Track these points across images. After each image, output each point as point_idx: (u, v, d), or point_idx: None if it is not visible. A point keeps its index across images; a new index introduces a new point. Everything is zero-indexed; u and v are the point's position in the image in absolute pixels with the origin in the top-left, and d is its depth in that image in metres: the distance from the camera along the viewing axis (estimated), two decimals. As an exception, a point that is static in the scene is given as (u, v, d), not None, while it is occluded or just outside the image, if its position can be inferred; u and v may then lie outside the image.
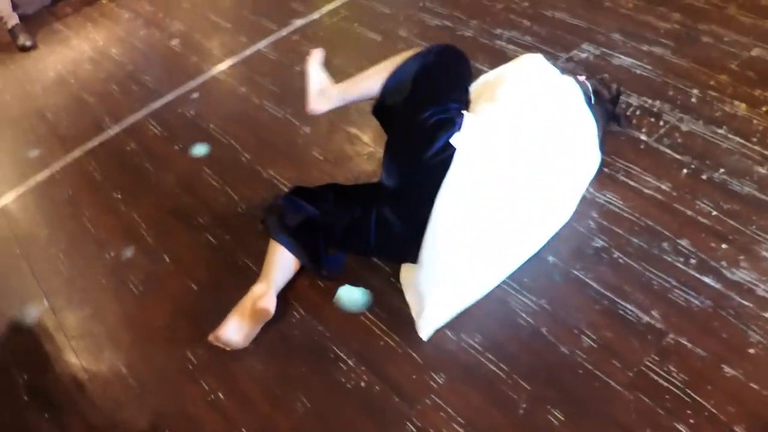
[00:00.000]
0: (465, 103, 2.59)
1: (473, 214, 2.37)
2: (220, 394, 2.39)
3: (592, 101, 2.75)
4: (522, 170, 2.45)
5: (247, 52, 4.24)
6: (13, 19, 5.07)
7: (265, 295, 2.48)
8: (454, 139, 2.37)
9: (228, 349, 2.48)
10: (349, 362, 2.37)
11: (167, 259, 2.92)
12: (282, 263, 2.61)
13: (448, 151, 2.36)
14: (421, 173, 2.41)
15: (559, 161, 2.55)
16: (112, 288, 2.87)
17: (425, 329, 2.40)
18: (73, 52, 4.83)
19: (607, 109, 2.86)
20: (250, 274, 2.71)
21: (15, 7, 5.19)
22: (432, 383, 2.26)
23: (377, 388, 2.28)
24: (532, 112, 2.54)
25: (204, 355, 2.51)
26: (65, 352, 2.67)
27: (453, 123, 2.41)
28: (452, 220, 2.35)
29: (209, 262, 2.86)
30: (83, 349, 2.67)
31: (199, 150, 3.49)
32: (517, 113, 2.52)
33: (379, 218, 2.49)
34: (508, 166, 2.43)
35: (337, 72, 3.74)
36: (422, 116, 2.43)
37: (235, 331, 2.46)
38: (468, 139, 2.39)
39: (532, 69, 2.79)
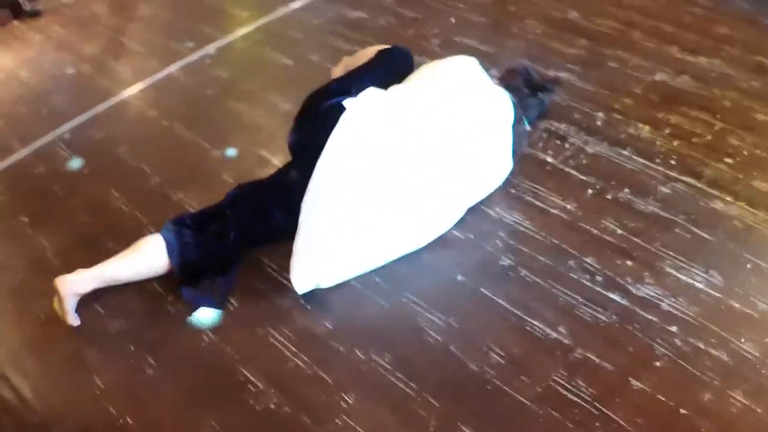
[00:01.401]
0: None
1: (350, 175, 2.54)
2: (129, 419, 2.33)
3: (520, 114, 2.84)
4: (414, 152, 2.58)
5: (159, 75, 4.18)
6: None
7: (63, 276, 2.60)
8: (347, 102, 2.61)
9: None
10: (259, 384, 2.34)
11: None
12: (132, 257, 2.67)
13: (339, 111, 2.58)
14: (314, 124, 2.64)
15: (458, 156, 2.65)
16: (17, 314, 2.80)
17: (297, 281, 2.55)
18: (-19, 74, 4.71)
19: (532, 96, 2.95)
20: (157, 297, 2.69)
21: None
22: (342, 403, 2.24)
23: (287, 409, 2.26)
24: (441, 101, 2.67)
25: (111, 379, 2.45)
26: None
27: (350, 92, 2.67)
28: (328, 175, 2.52)
29: (116, 287, 2.78)
30: (-13, 377, 2.59)
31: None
32: (424, 98, 2.67)
33: (281, 184, 2.67)
34: (399, 142, 2.57)
35: (248, 95, 3.75)
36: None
37: (56, 307, 2.63)
38: (360, 103, 2.63)
39: (460, 67, 2.87)
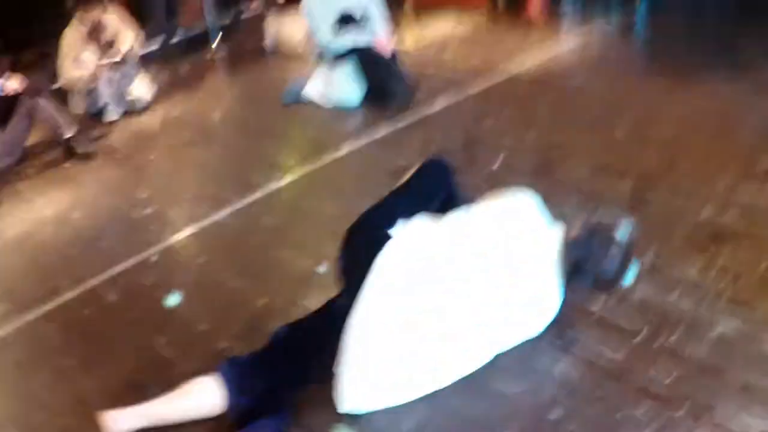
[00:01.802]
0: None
1: (394, 301, 2.58)
2: None
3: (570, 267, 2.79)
4: (454, 287, 2.62)
5: (207, 221, 4.29)
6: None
7: (110, 412, 2.68)
8: (393, 230, 2.72)
9: None
10: None
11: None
12: (184, 397, 2.70)
13: (385, 239, 2.68)
14: (361, 251, 2.73)
15: (498, 294, 2.66)
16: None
17: (342, 400, 2.62)
18: (34, 214, 4.88)
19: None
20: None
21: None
22: None
23: None
24: (485, 240, 2.72)
25: None
26: None
27: (393, 218, 2.81)
28: (373, 300, 2.59)
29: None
30: None
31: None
32: (469, 234, 2.74)
33: (328, 312, 2.77)
34: (441, 275, 2.63)
35: (295, 243, 3.80)
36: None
37: None
38: (407, 232, 2.73)
39: (515, 205, 2.89)
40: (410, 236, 2.72)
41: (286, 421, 2.67)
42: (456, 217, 2.85)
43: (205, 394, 2.66)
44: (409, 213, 2.84)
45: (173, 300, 3.54)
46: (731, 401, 2.47)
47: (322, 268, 3.55)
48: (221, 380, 2.65)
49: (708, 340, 2.74)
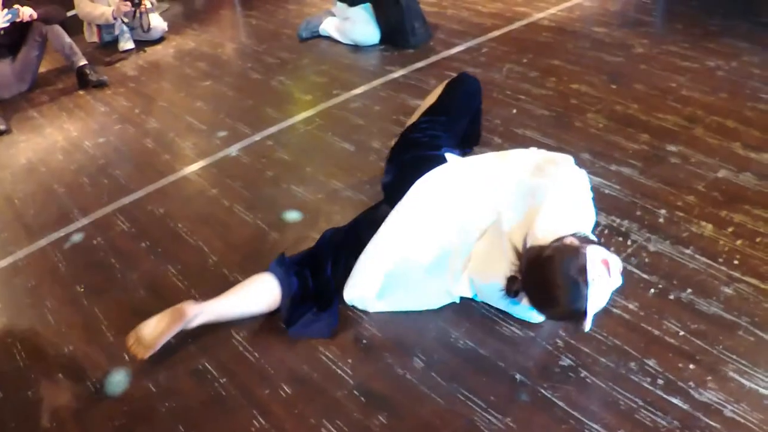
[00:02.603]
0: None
1: (423, 217, 2.79)
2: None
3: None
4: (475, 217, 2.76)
5: (221, 154, 4.27)
6: (-13, 103, 5.13)
7: (191, 302, 2.76)
8: (440, 153, 2.95)
9: (137, 353, 2.67)
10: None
11: (126, 359, 2.84)
12: (243, 293, 2.84)
13: (436, 162, 2.88)
14: (409, 170, 2.89)
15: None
16: (69, 384, 2.79)
17: (347, 291, 2.87)
18: (45, 141, 4.86)
19: None
20: (210, 379, 2.67)
21: (-10, 91, 5.26)
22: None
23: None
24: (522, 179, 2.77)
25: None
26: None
27: (439, 139, 3.08)
28: (405, 213, 2.81)
29: (168, 364, 2.78)
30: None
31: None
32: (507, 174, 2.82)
33: (371, 219, 2.96)
34: (468, 205, 2.77)
35: (308, 179, 3.78)
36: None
37: (150, 327, 2.70)
38: (451, 164, 2.89)
39: (557, 160, 2.89)
40: (452, 169, 2.86)
41: (335, 318, 2.82)
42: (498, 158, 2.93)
43: (262, 290, 2.82)
44: (447, 133, 3.08)
45: (293, 216, 3.59)
46: (744, 357, 2.46)
47: (335, 205, 3.55)
48: (277, 274, 2.80)
49: (722, 296, 2.71)
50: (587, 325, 2.26)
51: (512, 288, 2.44)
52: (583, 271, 2.22)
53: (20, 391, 2.79)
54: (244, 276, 3.06)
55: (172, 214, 3.72)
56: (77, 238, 3.68)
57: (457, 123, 3.25)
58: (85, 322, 3.08)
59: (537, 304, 2.41)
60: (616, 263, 2.36)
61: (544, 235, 2.42)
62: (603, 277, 2.28)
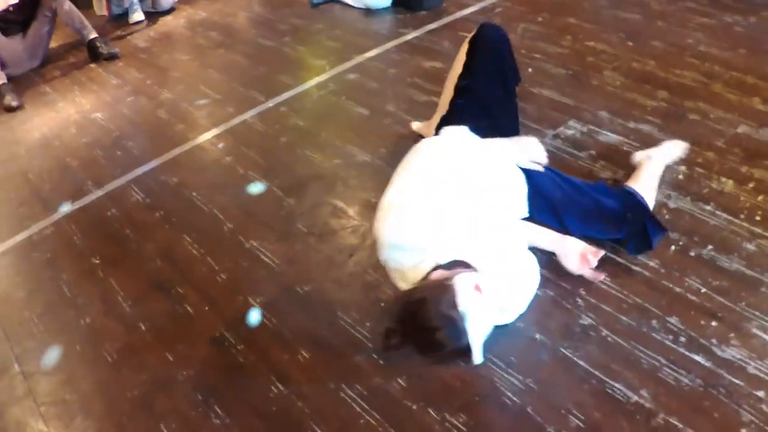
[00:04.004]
0: None
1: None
2: (194, 471, 2.30)
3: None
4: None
5: (234, 122, 4.23)
6: (0, 79, 5.09)
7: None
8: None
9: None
10: (329, 441, 2.29)
11: (143, 328, 2.85)
12: None
13: None
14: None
15: None
16: (87, 355, 2.80)
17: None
18: (59, 115, 4.84)
19: None
20: (228, 346, 2.66)
21: (3, 66, 5.27)
22: (414, 464, 2.18)
23: (358, 469, 2.20)
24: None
25: (178, 428, 2.43)
26: (33, 419, 2.59)
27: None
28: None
29: (186, 333, 2.79)
30: (53, 416, 2.59)
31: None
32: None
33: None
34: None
35: (323, 144, 3.75)
36: None
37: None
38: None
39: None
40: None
41: None
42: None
43: None
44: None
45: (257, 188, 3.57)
46: (766, 313, 2.41)
47: (351, 170, 3.52)
48: None
49: (744, 252, 2.66)
50: (477, 357, 2.06)
51: (391, 342, 2.17)
52: (454, 305, 2.04)
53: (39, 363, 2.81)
54: (261, 242, 3.05)
55: (186, 183, 3.70)
56: (92, 210, 3.68)
57: (489, 97, 3.00)
58: (101, 294, 3.08)
59: (423, 351, 2.14)
60: (487, 282, 2.16)
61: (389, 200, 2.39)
62: (476, 303, 2.07)
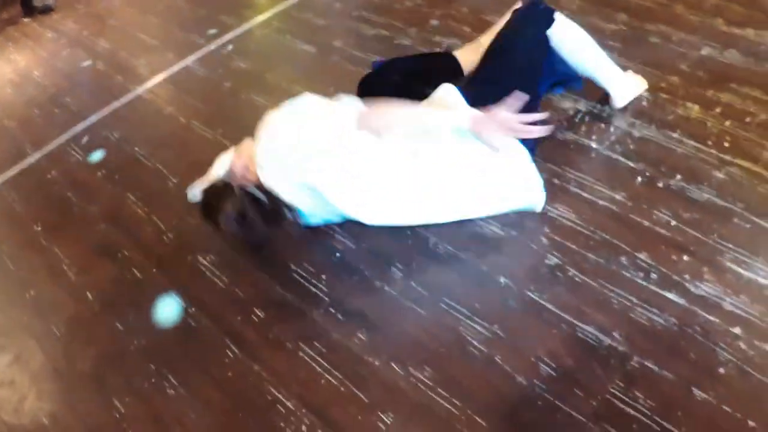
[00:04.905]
0: None
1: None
2: (150, 446, 2.19)
3: None
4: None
5: (175, 68, 4.06)
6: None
7: None
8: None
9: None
10: (289, 405, 2.18)
11: (90, 298, 2.72)
12: None
13: None
14: None
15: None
16: (34, 331, 2.67)
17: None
18: (-7, 75, 4.61)
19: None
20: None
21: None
22: (379, 424, 2.07)
23: (320, 432, 2.10)
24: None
25: (132, 402, 2.32)
26: (-18, 402, 2.47)
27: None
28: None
29: (135, 299, 2.66)
30: (2, 399, 2.47)
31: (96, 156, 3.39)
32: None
33: None
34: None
35: (269, 87, 3.58)
36: None
37: None
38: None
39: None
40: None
41: None
42: None
43: None
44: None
45: (96, 157, 3.43)
46: (741, 246, 2.32)
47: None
48: None
49: (714, 181, 2.56)
50: None
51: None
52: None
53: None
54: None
55: (128, 138, 3.54)
56: (32, 174, 3.51)
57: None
58: (45, 264, 2.94)
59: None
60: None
61: None
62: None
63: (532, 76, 2.69)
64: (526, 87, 2.44)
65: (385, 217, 2.50)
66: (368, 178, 2.39)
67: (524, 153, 2.47)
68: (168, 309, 2.57)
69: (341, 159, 2.36)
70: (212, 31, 4.33)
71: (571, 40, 2.74)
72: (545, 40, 2.69)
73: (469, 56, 2.96)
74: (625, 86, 2.93)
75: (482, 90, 2.55)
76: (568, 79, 2.92)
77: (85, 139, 3.64)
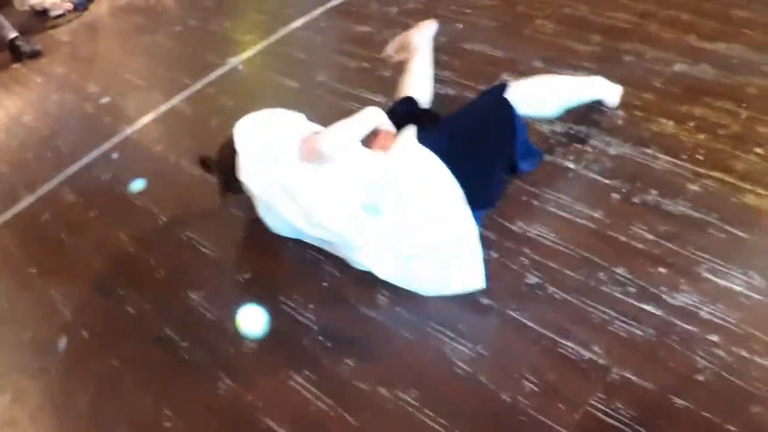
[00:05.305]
0: None
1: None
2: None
3: None
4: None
5: (163, 108, 4.10)
6: None
7: None
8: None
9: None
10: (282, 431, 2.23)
11: (86, 335, 2.75)
12: None
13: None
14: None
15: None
16: (32, 370, 2.70)
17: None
18: (-16, 121, 4.66)
19: None
20: (172, 344, 2.59)
21: None
22: (370, 447, 2.12)
23: (312, 457, 2.14)
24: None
25: (130, 435, 2.36)
26: (-17, 445, 2.51)
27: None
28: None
29: (130, 335, 2.70)
30: (2, 440, 2.51)
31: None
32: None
33: None
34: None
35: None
36: None
37: None
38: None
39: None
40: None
41: None
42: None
43: None
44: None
45: (137, 185, 3.46)
46: (716, 255, 2.39)
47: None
48: None
49: (689, 194, 2.64)
50: None
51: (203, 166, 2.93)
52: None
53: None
54: (197, 233, 2.99)
55: (118, 179, 3.58)
56: (25, 217, 3.55)
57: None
58: (41, 304, 2.97)
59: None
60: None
61: None
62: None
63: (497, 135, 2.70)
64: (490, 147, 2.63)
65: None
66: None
67: (473, 230, 2.50)
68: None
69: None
70: (197, 72, 4.39)
71: (531, 90, 2.78)
72: (506, 103, 2.69)
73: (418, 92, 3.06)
74: (607, 88, 3.02)
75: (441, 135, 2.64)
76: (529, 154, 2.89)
77: (76, 181, 3.69)
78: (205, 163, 2.92)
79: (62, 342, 2.75)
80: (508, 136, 2.69)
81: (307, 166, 2.48)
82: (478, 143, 2.60)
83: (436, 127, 2.70)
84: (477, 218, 2.52)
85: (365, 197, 2.46)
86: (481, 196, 2.54)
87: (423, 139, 2.57)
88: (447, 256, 2.48)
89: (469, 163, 2.53)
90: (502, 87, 2.71)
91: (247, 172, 2.60)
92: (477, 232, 2.50)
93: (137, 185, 3.46)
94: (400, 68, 3.28)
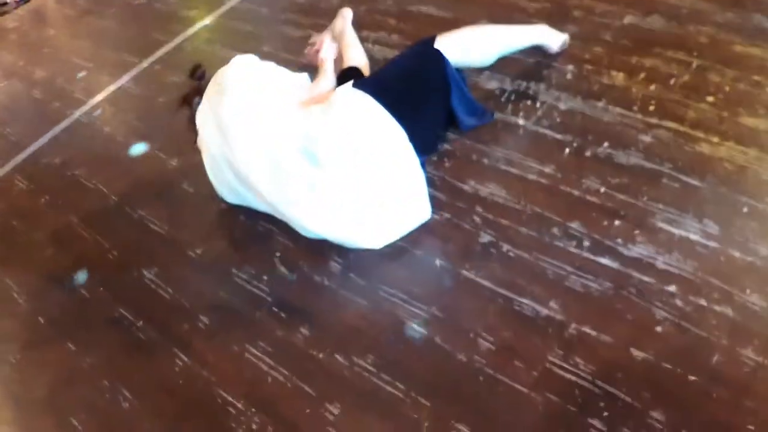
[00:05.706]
0: None
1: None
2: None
3: None
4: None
5: (110, 89, 4.04)
6: None
7: None
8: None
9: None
10: (239, 405, 2.20)
11: (42, 322, 2.72)
12: None
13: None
14: None
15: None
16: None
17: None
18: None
19: None
20: (127, 324, 2.55)
21: None
22: (327, 415, 2.10)
23: (271, 429, 2.12)
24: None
25: (88, 419, 2.33)
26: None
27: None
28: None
29: (86, 319, 2.67)
30: (-40, 430, 2.47)
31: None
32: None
33: None
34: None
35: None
36: None
37: None
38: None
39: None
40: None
41: None
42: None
43: None
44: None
45: (138, 149, 3.46)
46: (671, 205, 2.37)
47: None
48: None
49: (640, 145, 2.61)
50: None
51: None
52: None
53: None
54: (148, 210, 2.97)
55: (69, 163, 3.52)
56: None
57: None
58: (-4, 297, 2.94)
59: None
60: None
61: None
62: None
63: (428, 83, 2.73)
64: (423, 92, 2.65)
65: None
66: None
67: (418, 167, 2.52)
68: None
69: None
70: (143, 50, 4.32)
71: (459, 38, 2.80)
72: (435, 50, 2.72)
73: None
74: (547, 33, 3.04)
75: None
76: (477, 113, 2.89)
77: (26, 167, 3.63)
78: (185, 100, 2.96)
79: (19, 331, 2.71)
80: (441, 83, 2.69)
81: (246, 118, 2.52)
82: (412, 88, 2.63)
83: (369, 78, 2.72)
84: (421, 164, 2.52)
85: (304, 146, 2.43)
86: (420, 139, 2.53)
87: (359, 86, 2.55)
88: (395, 198, 2.46)
89: (406, 107, 2.52)
90: (432, 38, 2.74)
91: (202, 114, 2.74)
92: (422, 172, 2.51)
93: (138, 149, 3.45)
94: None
